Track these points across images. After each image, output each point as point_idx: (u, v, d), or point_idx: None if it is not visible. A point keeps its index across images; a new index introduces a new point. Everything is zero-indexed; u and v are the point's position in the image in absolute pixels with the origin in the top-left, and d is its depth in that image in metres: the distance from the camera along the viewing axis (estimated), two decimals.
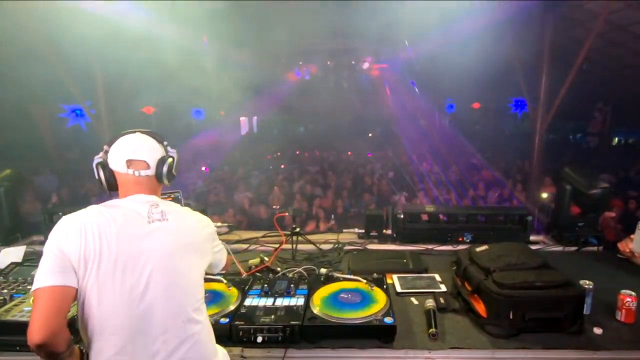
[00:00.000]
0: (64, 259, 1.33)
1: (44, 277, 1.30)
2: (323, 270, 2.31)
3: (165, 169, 1.54)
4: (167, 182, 1.57)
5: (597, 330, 1.89)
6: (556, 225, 3.15)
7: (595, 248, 2.98)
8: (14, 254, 2.60)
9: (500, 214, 3.17)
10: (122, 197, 1.51)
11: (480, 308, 1.97)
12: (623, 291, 2.00)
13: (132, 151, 1.50)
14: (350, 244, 3.09)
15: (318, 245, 3.03)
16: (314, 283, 2.18)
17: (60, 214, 3.06)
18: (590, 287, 2.05)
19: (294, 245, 2.87)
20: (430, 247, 3.03)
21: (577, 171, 3.07)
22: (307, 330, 1.80)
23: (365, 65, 11.34)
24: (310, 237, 3.09)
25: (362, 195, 8.08)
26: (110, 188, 1.53)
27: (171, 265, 1.44)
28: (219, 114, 14.52)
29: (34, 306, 1.28)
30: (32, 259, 2.56)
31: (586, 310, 2.00)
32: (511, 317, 1.83)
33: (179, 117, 13.77)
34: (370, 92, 14.93)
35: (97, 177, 1.53)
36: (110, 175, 1.51)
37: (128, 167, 1.49)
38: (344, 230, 3.35)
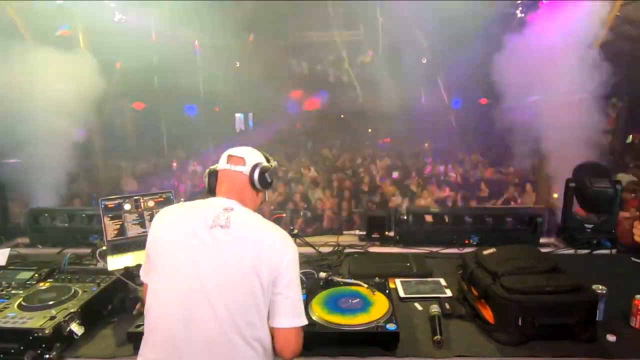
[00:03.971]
0: (149, 258, 1.49)
1: (141, 272, 1.55)
2: (322, 274, 2.25)
3: (258, 169, 1.59)
4: (258, 185, 1.60)
5: (611, 338, 1.83)
6: (564, 226, 3.06)
7: (608, 251, 2.91)
8: None
9: (508, 215, 3.09)
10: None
11: (488, 314, 1.91)
12: (638, 296, 1.93)
13: (234, 150, 1.63)
14: (350, 246, 3.02)
15: (317, 248, 2.96)
16: (313, 287, 2.13)
17: (46, 215, 3.02)
18: (604, 292, 1.98)
19: None
20: (434, 249, 2.96)
21: (584, 169, 2.99)
22: (305, 337, 1.71)
23: (367, 59, 11.31)
24: (309, 239, 3.02)
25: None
26: (210, 191, 1.63)
27: (223, 276, 1.39)
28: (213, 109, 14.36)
29: None
30: (16, 262, 2.46)
31: (599, 316, 1.93)
32: (520, 323, 1.78)
33: (172, 113, 13.51)
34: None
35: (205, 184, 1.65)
36: (214, 177, 1.61)
37: (227, 161, 1.59)
38: (345, 232, 3.29)
